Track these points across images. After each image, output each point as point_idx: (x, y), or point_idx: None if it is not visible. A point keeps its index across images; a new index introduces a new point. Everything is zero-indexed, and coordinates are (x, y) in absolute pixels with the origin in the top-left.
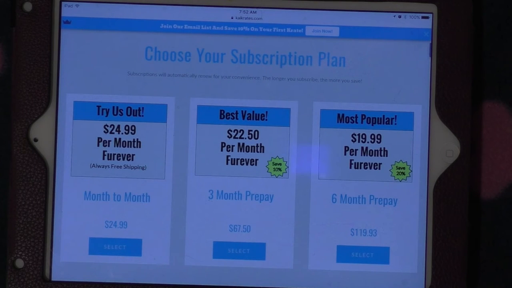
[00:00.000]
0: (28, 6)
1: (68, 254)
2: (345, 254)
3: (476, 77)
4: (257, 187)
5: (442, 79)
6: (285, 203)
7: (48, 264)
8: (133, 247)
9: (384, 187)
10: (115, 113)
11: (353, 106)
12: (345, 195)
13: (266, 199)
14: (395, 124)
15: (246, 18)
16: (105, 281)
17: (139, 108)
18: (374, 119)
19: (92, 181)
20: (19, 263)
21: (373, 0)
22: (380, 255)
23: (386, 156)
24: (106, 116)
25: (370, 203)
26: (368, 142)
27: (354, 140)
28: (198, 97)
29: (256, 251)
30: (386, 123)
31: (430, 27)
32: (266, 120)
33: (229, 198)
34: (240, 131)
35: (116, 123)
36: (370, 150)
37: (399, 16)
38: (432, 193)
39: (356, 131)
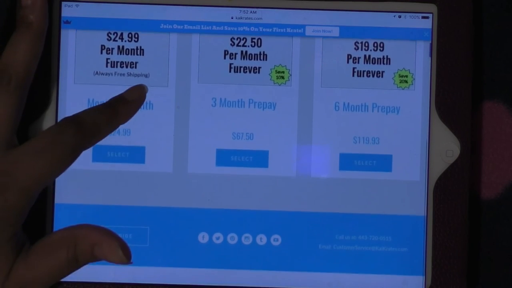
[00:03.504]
0: None
1: None
2: (347, 162)
3: (476, 77)
4: (260, 95)
5: (442, 79)
6: (288, 111)
7: None
8: (136, 154)
9: (387, 95)
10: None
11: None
12: (348, 103)
13: (269, 107)
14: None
15: (246, 18)
16: (105, 281)
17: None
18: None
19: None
20: None
21: (373, 0)
22: (383, 162)
23: (389, 64)
24: None
25: (372, 111)
26: (371, 50)
27: (357, 48)
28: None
29: (259, 158)
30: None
31: (430, 27)
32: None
33: (232, 106)
34: (243, 39)
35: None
36: (373, 58)
37: (399, 16)
38: (432, 193)
39: (359, 40)
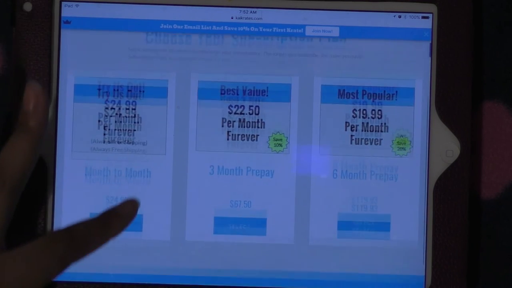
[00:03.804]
0: (28, 6)
1: None
2: (346, 228)
3: (476, 77)
4: (258, 163)
5: (442, 79)
6: (285, 178)
7: None
8: (134, 222)
9: (385, 162)
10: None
11: (354, 82)
12: (346, 171)
13: (267, 174)
14: (396, 99)
15: (246, 18)
16: (105, 281)
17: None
18: (374, 95)
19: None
20: None
21: (373, 0)
22: (381, 228)
23: (387, 131)
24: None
25: (371, 178)
26: (368, 118)
27: (355, 115)
28: (198, 73)
29: (257, 226)
30: (387, 99)
31: (430, 27)
32: (267, 95)
33: (230, 174)
34: (240, 107)
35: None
36: (371, 126)
37: (399, 16)
38: (432, 193)
39: (357, 107)
